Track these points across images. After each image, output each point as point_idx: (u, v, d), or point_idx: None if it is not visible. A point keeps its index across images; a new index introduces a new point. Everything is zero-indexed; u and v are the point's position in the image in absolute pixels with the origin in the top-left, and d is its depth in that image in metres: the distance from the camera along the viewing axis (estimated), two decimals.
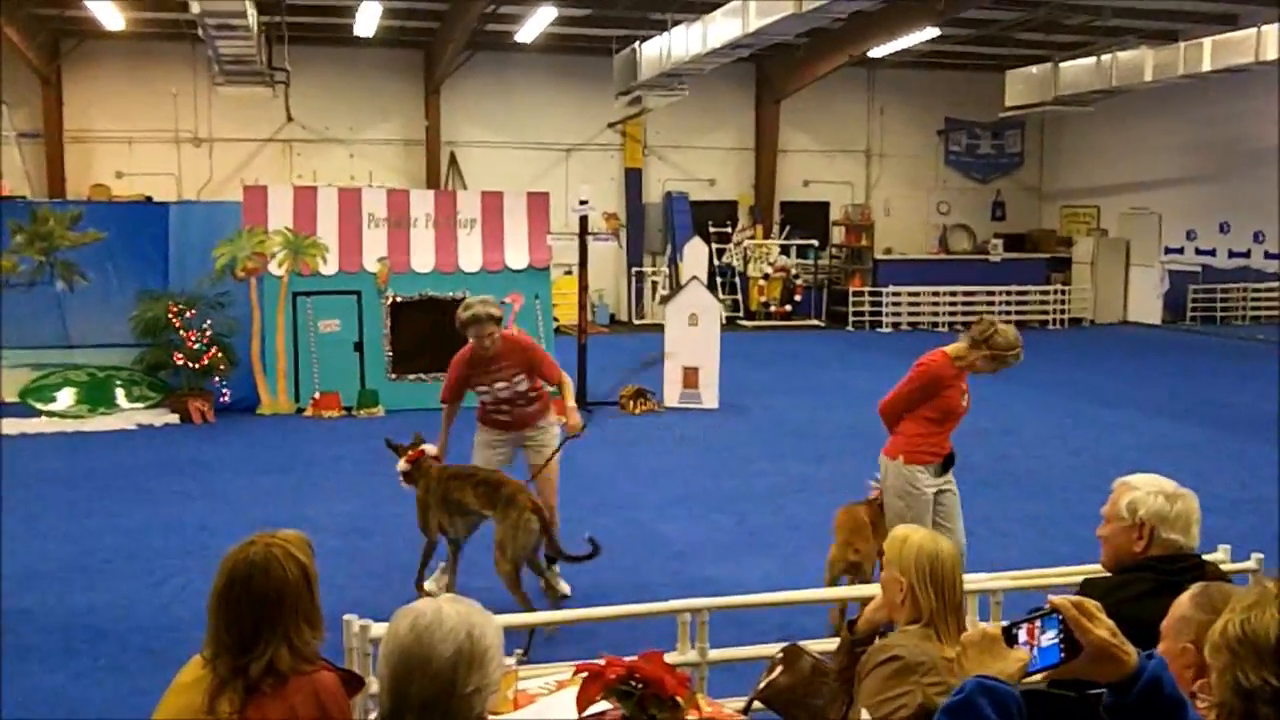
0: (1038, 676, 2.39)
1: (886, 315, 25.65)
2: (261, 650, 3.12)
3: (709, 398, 15.45)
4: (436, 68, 25.99)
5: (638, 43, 21.79)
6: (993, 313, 25.82)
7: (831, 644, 4.21)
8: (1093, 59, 21.96)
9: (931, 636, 3.52)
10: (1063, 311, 26.40)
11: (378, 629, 4.81)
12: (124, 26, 22.44)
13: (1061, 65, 22.76)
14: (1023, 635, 2.30)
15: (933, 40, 22.77)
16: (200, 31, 18.47)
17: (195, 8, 16.12)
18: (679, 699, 3.03)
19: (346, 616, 4.85)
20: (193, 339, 14.45)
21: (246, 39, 18.23)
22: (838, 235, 28.88)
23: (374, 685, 3.58)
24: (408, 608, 2.76)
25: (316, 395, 15.03)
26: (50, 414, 14.62)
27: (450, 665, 2.64)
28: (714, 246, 25.30)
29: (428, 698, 2.63)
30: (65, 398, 14.97)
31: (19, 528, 9.66)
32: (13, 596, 7.92)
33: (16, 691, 6.39)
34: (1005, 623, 2.37)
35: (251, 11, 16.87)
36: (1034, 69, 23.72)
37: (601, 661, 3.12)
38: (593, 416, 14.14)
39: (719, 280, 25.53)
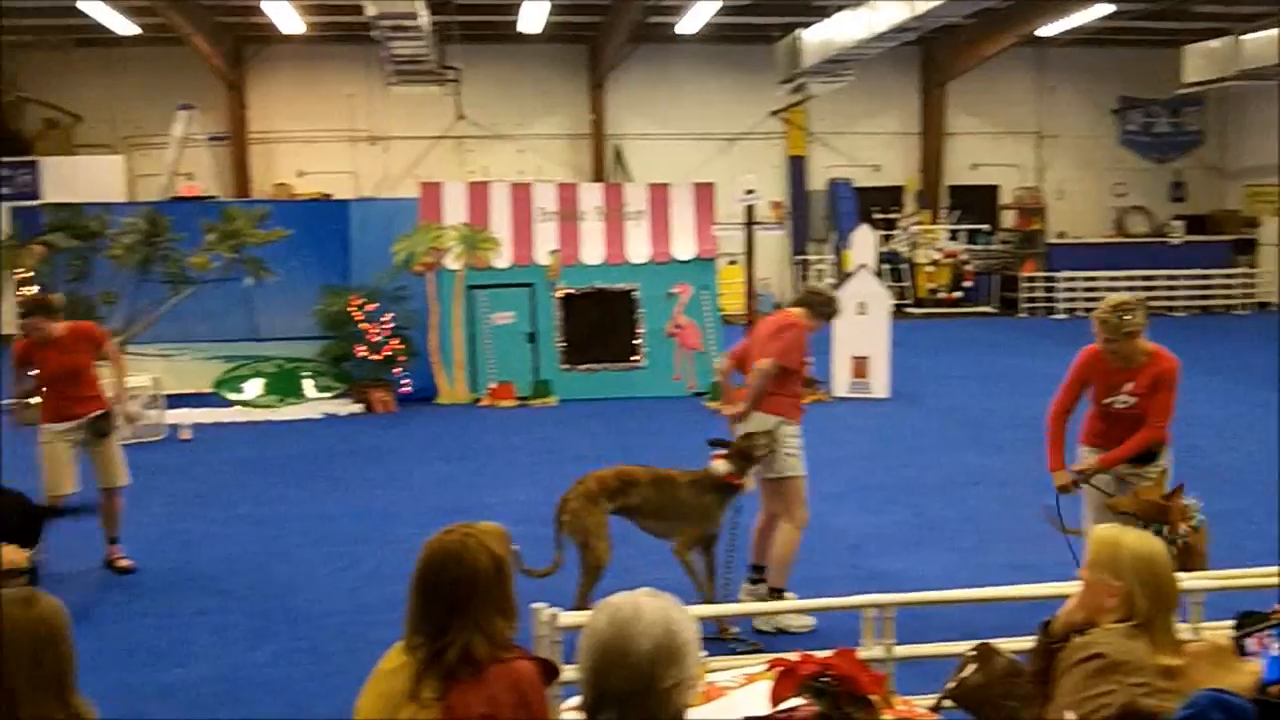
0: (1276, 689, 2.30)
1: (1060, 302, 25.07)
2: (454, 637, 3.19)
3: (878, 387, 15.35)
4: (601, 62, 26.26)
5: (800, 30, 21.67)
6: (1174, 298, 25.25)
7: (1024, 643, 4.15)
8: (1275, 30, 21.07)
9: (1138, 636, 3.38)
10: (1249, 296, 25.46)
11: (566, 617, 4.92)
12: (302, 31, 23.21)
13: (1243, 38, 21.88)
14: (1252, 645, 2.23)
15: (1105, 17, 22.13)
16: (375, 33, 19.00)
17: (370, 10, 16.63)
18: (874, 698, 3.04)
19: (535, 605, 4.94)
20: (374, 331, 14.97)
21: (419, 39, 18.72)
22: (1008, 219, 28.28)
23: (566, 673, 3.66)
24: (607, 601, 2.82)
25: (492, 385, 15.39)
26: (241, 403, 15.29)
27: (649, 660, 2.66)
28: (879, 233, 25.03)
29: (627, 691, 2.66)
30: (254, 388, 15.63)
31: (217, 513, 10.14)
32: (215, 579, 8.34)
33: (221, 667, 6.72)
34: (1234, 633, 2.30)
35: (424, 12, 17.31)
36: (1214, 43, 22.85)
37: (795, 657, 3.15)
38: None
39: (885, 267, 25.26)
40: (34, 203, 21.16)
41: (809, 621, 7.00)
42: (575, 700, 3.94)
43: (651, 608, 2.73)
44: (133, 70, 25.68)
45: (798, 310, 7.48)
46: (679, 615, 2.75)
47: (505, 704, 3.15)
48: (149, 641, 7.11)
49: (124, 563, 8.49)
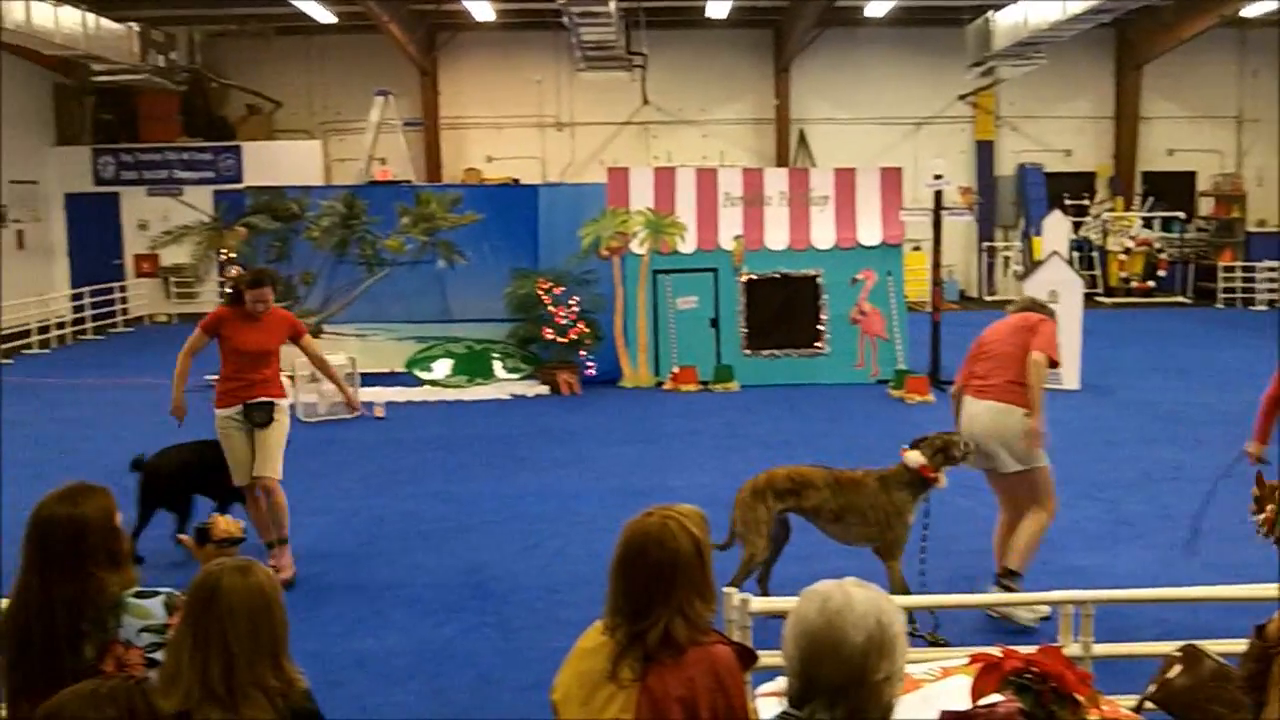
0: None
1: (1260, 292, 24.05)
2: (655, 619, 3.19)
3: (1070, 378, 14.96)
4: (786, 46, 26.14)
5: (991, 12, 21.23)
6: None
7: (1231, 646, 4.02)
8: None
9: None
10: None
11: (757, 603, 4.95)
12: (493, 18, 23.68)
13: None
14: None
15: None
16: (564, 20, 19.27)
17: None
18: (1080, 697, 2.99)
19: (727, 589, 4.98)
20: (561, 315, 15.22)
21: (607, 25, 18.91)
22: (1205, 206, 27.25)
23: (761, 659, 3.66)
24: (814, 590, 2.78)
25: (675, 369, 15.50)
26: (431, 383, 15.72)
27: (861, 652, 2.63)
28: (1070, 220, 24.38)
29: (838, 683, 2.63)
30: (443, 368, 16.05)
31: (409, 489, 10.45)
32: (407, 553, 8.59)
33: (412, 641, 6.91)
34: None
35: None
36: None
37: (997, 652, 3.11)
38: (946, 395, 14.05)
39: (1076, 255, 24.59)
40: (237, 186, 22.16)
41: (1043, 611, 6.74)
42: (769, 686, 3.97)
43: (862, 599, 2.70)
44: (330, 58, 26.58)
45: (1034, 314, 7.27)
46: (889, 607, 2.72)
47: (702, 688, 3.16)
48: (345, 612, 7.36)
49: (286, 574, 7.88)
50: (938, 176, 15.43)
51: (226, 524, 3.96)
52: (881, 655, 2.66)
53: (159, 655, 3.53)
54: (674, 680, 3.16)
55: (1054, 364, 7.02)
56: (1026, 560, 6.98)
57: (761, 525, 6.94)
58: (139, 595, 3.68)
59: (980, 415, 6.99)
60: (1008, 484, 7.08)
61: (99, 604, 3.63)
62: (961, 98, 26.50)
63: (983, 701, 3.11)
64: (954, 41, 23.57)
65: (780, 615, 5.86)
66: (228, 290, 8.59)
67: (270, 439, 8.02)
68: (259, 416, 7.97)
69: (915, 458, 6.85)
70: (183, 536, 4.01)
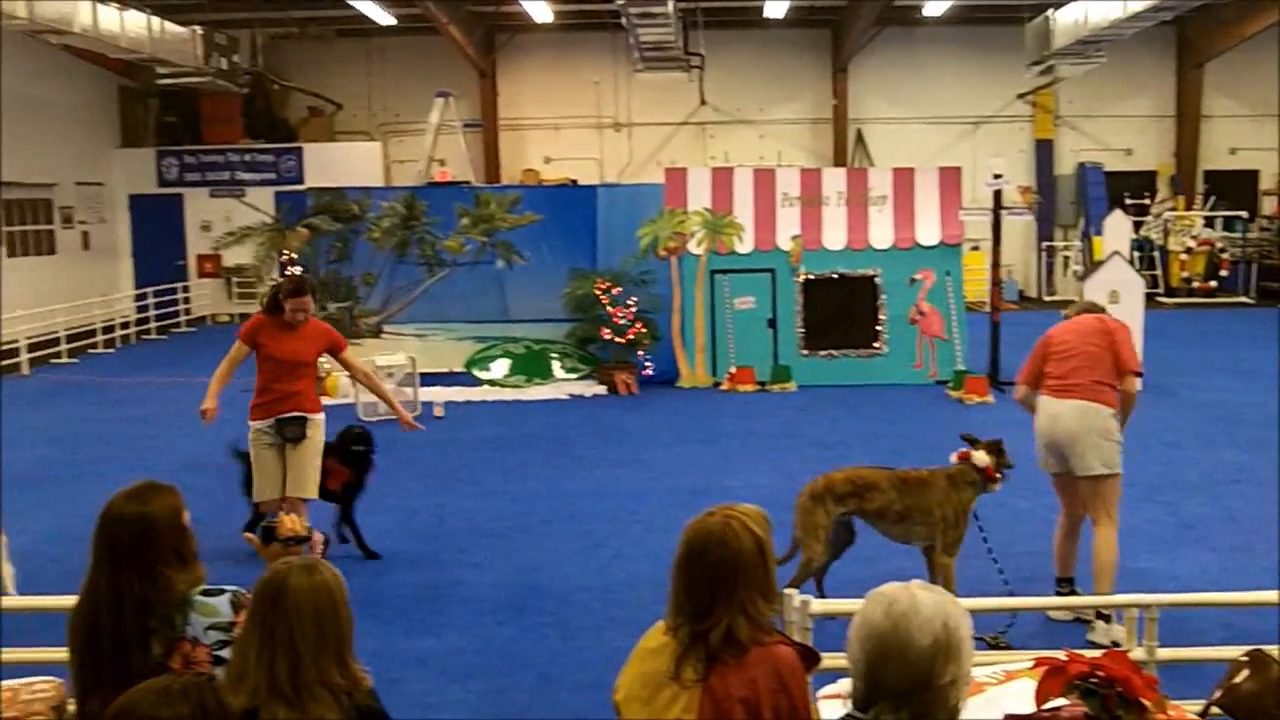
0: None
1: None
2: (718, 619, 3.20)
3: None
4: (844, 46, 26.06)
5: (1052, 10, 21.06)
6: None
7: None
8: None
9: None
10: None
11: (818, 605, 4.95)
12: (551, 19, 23.79)
13: None
14: None
15: None
16: (623, 21, 19.32)
17: None
18: (1146, 702, 2.96)
19: (787, 590, 4.98)
20: (619, 315, 15.28)
21: (666, 26, 18.95)
22: (1268, 206, 26.85)
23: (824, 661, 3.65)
24: (880, 592, 2.77)
25: (732, 370, 15.50)
26: (490, 382, 15.83)
27: (928, 656, 2.63)
28: (1131, 220, 24.11)
29: (904, 687, 2.63)
30: (501, 368, 16.15)
31: (468, 487, 10.53)
32: (467, 552, 8.65)
33: (473, 640, 6.96)
34: None
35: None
36: None
37: (1062, 655, 3.09)
38: (1006, 396, 13.95)
39: (1136, 255, 24.28)
40: (298, 187, 22.40)
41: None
42: (831, 688, 3.97)
43: (929, 602, 2.68)
44: (390, 60, 26.83)
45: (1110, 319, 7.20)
46: (955, 610, 2.70)
47: (765, 688, 3.15)
48: (406, 611, 7.43)
49: None
50: (997, 176, 15.33)
51: (292, 523, 4.02)
52: (948, 659, 2.65)
53: (225, 653, 3.57)
54: (736, 681, 3.16)
55: (1139, 374, 6.99)
56: (1112, 576, 6.82)
57: (820, 530, 6.93)
58: (206, 593, 3.72)
59: (1065, 415, 6.83)
60: (1078, 489, 6.95)
61: (167, 601, 3.67)
62: (1021, 96, 26.32)
63: (1047, 705, 3.09)
64: (1013, 40, 23.40)
65: (840, 617, 5.87)
66: (265, 298, 8.31)
67: (303, 458, 7.79)
68: (291, 432, 7.74)
69: (983, 458, 6.88)
70: (248, 534, 4.07)
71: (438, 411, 13.98)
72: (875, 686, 2.68)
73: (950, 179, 16.06)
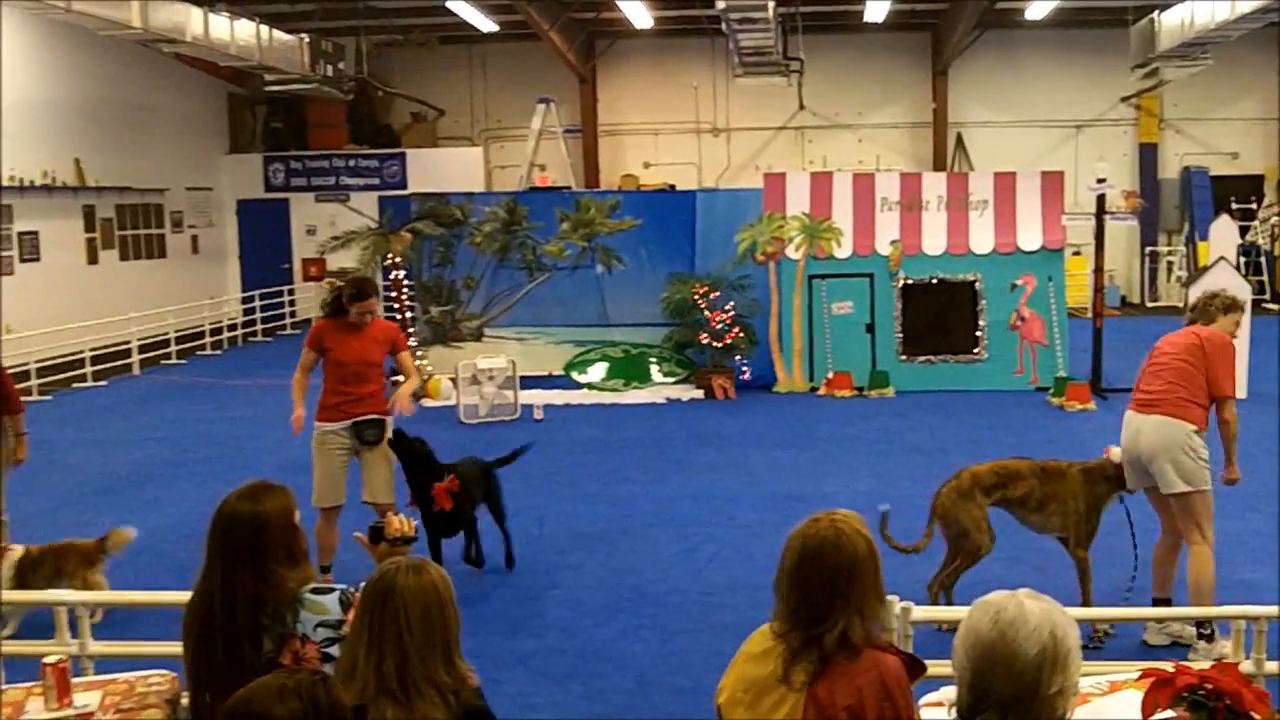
0: None
1: None
2: (834, 622, 3.22)
3: (1237, 387, 14.46)
4: (944, 49, 25.83)
5: (1157, 12, 20.69)
6: None
7: None
8: None
9: None
10: None
11: (919, 612, 4.94)
12: (651, 25, 23.89)
13: None
14: None
15: None
16: (723, 26, 19.34)
17: (720, 4, 16.95)
18: (1257, 716, 2.91)
19: (889, 597, 4.96)
20: (716, 319, 15.30)
21: (765, 31, 18.94)
22: None
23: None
24: (987, 601, 2.77)
25: (829, 375, 15.45)
26: (588, 386, 15.94)
27: (1035, 665, 2.62)
28: (1237, 224, 23.55)
29: (1010, 696, 2.63)
30: (598, 371, 16.26)
31: (567, 490, 10.62)
32: (566, 554, 8.74)
33: (572, 641, 7.03)
34: None
35: (770, 4, 17.51)
36: None
37: (1169, 667, 3.06)
38: (1108, 402, 13.73)
39: (1243, 260, 23.75)
40: (401, 192, 22.76)
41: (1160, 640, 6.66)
42: (932, 696, 3.96)
43: (1036, 611, 2.68)
44: (492, 66, 27.12)
45: (1208, 329, 6.84)
46: (1063, 619, 2.70)
47: (870, 696, 3.17)
48: (506, 611, 7.53)
49: None
50: (1101, 180, 15.09)
51: (400, 523, 4.08)
52: (1055, 668, 2.65)
53: (334, 650, 3.65)
54: (842, 689, 3.18)
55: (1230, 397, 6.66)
56: (1211, 598, 6.65)
57: (980, 522, 7.07)
58: (315, 591, 3.80)
59: (1146, 430, 6.71)
60: (1166, 505, 6.84)
61: (278, 599, 3.75)
62: (1124, 100, 25.87)
63: (1155, 718, 3.06)
64: (1116, 42, 23.02)
65: (938, 625, 5.85)
66: (327, 300, 8.37)
67: (380, 461, 7.84)
68: (370, 435, 7.75)
69: (1118, 453, 6.91)
70: (358, 534, 4.15)
71: (537, 414, 14.12)
72: (981, 695, 2.68)
73: (1052, 183, 15.86)
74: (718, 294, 15.45)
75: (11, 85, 18.91)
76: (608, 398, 15.53)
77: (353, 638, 3.29)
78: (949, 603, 7.07)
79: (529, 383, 15.33)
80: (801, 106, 26.51)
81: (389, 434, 7.86)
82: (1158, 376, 6.81)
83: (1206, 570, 6.63)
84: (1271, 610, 4.87)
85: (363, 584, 3.81)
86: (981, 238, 15.58)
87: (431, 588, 3.27)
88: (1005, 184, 15.84)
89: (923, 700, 3.95)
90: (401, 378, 8.07)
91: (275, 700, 2.72)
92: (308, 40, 22.01)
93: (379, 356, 7.81)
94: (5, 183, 18.60)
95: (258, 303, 23.44)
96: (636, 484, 10.91)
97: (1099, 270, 15.32)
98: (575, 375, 16.26)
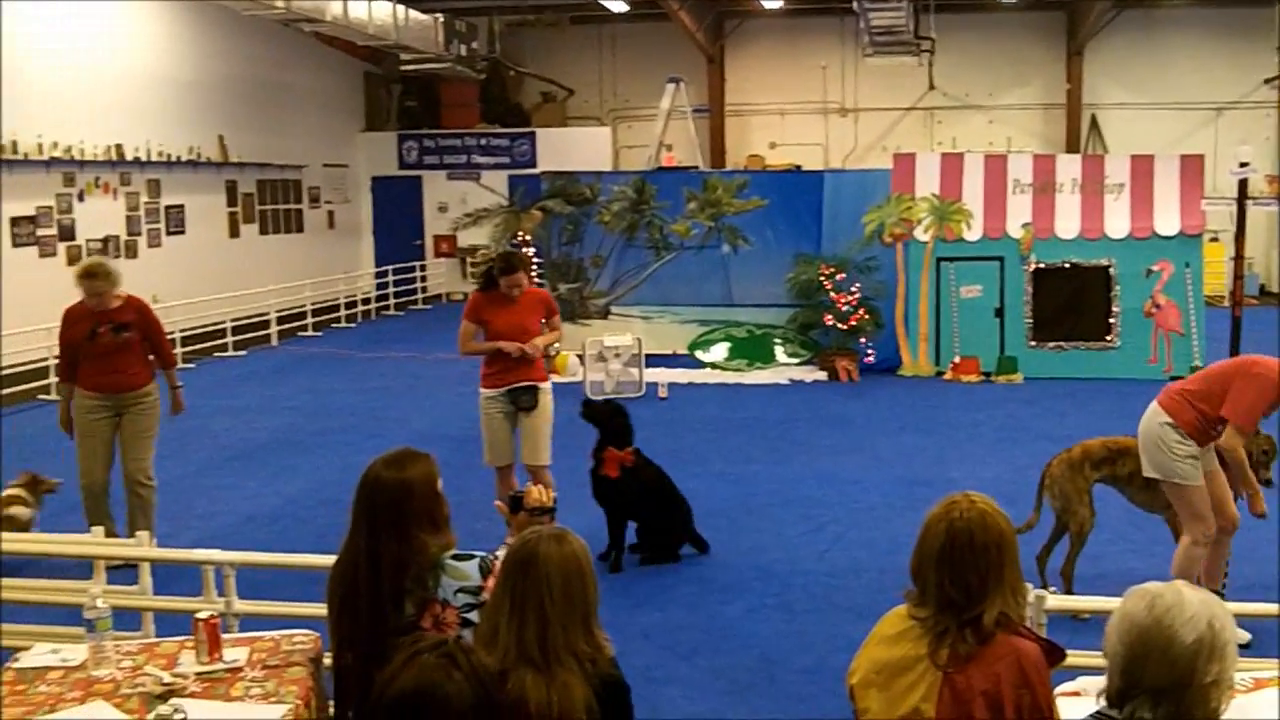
0: None
1: None
2: (990, 602, 3.22)
3: None
4: (1079, 29, 25.29)
5: None
6: None
7: None
8: None
9: None
10: None
11: (1054, 600, 4.90)
12: (781, 4, 23.78)
13: None
14: None
15: None
16: (854, 5, 19.21)
17: None
18: None
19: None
20: (842, 301, 15.23)
21: (897, 10, 18.78)
22: None
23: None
24: (1143, 589, 2.78)
25: (956, 359, 15.30)
26: (712, 365, 16.01)
27: (1191, 653, 2.63)
28: None
29: (1164, 683, 2.64)
30: (722, 351, 16.32)
31: (693, 468, 10.65)
32: None
33: (698, 615, 7.12)
34: None
35: None
36: None
37: None
38: None
39: None
40: (531, 171, 23.02)
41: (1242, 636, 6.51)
42: (1069, 686, 3.96)
43: (1195, 600, 2.69)
44: (621, 46, 27.23)
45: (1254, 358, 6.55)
46: (1221, 611, 2.70)
47: (1007, 682, 3.16)
48: (634, 585, 7.63)
49: None
50: (1243, 164, 14.68)
51: (539, 493, 4.14)
52: (1211, 658, 2.65)
53: (473, 615, 3.73)
54: (979, 673, 3.18)
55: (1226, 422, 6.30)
56: (1210, 581, 6.57)
57: (1084, 495, 7.05)
58: (456, 557, 3.86)
59: (1144, 415, 6.66)
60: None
61: (421, 564, 3.80)
62: (1268, 81, 25.04)
63: None
64: (1260, 22, 22.36)
65: (1072, 614, 5.83)
66: (479, 275, 8.65)
67: (537, 426, 8.10)
68: (525, 401, 8.04)
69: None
70: (498, 502, 4.26)
71: (662, 393, 14.23)
72: (1133, 682, 2.70)
73: (1192, 167, 15.48)
74: (844, 275, 15.37)
75: (161, 65, 19.59)
76: (731, 377, 15.58)
77: (494, 605, 3.34)
78: (1068, 592, 7.02)
79: (654, 361, 15.43)
80: (931, 87, 26.17)
81: (548, 400, 8.13)
82: (1197, 378, 6.72)
83: (1183, 559, 6.55)
84: None
85: (501, 551, 3.95)
86: (1117, 222, 15.28)
87: (574, 557, 3.31)
88: (1142, 167, 15.51)
89: (1059, 689, 3.93)
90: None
91: (442, 675, 2.78)
92: (442, 20, 22.34)
93: (534, 324, 8.05)
94: (154, 158, 19.25)
95: (390, 278, 23.93)
96: (760, 464, 10.95)
97: (1239, 257, 14.92)
98: (699, 354, 16.34)
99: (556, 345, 10.79)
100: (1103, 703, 2.82)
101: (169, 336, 9.22)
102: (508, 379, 8.03)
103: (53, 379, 14.25)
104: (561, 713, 3.15)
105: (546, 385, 8.21)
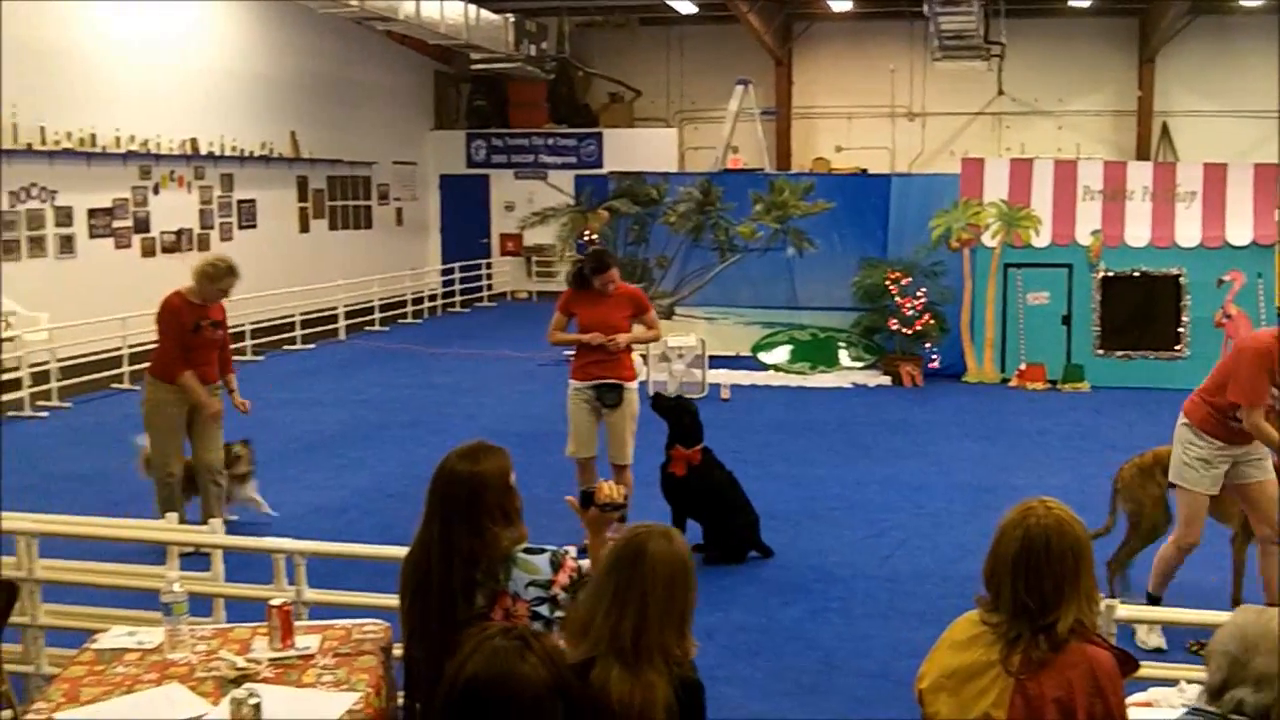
0: None
1: None
2: (1064, 610, 3.20)
3: None
4: (1152, 36, 25.00)
5: None
6: None
7: None
8: None
9: None
10: None
11: (1124, 610, 4.84)
12: (849, 8, 23.71)
13: None
14: None
15: None
16: (924, 9, 19.11)
17: None
18: None
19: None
20: (907, 306, 15.17)
21: (968, 14, 18.65)
22: None
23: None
24: (1251, 606, 2.93)
25: (1022, 366, 15.20)
26: (776, 368, 16.01)
27: None
28: None
29: (1269, 671, 2.71)
30: (784, 354, 16.31)
31: (755, 470, 10.62)
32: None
33: (758, 617, 7.13)
34: None
35: None
36: None
37: None
38: None
39: None
40: (597, 171, 23.13)
41: (1157, 642, 6.41)
42: (1141, 696, 3.94)
43: None
44: (689, 47, 27.24)
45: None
46: None
47: (1080, 690, 3.16)
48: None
49: None
50: None
51: (610, 489, 4.14)
52: None
53: (543, 609, 3.76)
54: (1051, 681, 3.18)
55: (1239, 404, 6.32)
56: (1156, 581, 6.77)
57: (1158, 502, 7.04)
58: (527, 551, 3.87)
59: None
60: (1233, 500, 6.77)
61: (492, 556, 3.81)
62: None
63: None
64: None
65: (1145, 624, 5.77)
66: (570, 271, 8.79)
67: (621, 424, 8.25)
68: (610, 398, 8.20)
69: None
70: (569, 498, 4.28)
71: (724, 394, 14.25)
72: (1237, 672, 2.78)
73: (1266, 176, 15.26)
74: (910, 280, 15.30)
75: (237, 61, 19.91)
76: (794, 380, 15.57)
77: (595, 594, 3.34)
78: (1125, 588, 7.02)
79: (717, 362, 15.44)
80: (1000, 92, 25.95)
81: (632, 399, 8.27)
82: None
83: (1161, 554, 6.73)
84: None
85: (570, 546, 4.00)
86: (1188, 230, 15.11)
87: (680, 558, 3.33)
88: (1215, 175, 15.32)
89: (1130, 699, 3.91)
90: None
91: (515, 658, 2.83)
92: (513, 20, 22.48)
93: (621, 319, 8.19)
94: (228, 153, 19.55)
95: (457, 275, 24.12)
96: (822, 467, 10.95)
97: None
98: (762, 356, 16.35)
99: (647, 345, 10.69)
100: (1197, 700, 2.89)
101: (239, 329, 9.39)
102: (594, 373, 8.19)
103: (127, 368, 14.56)
104: (643, 710, 3.16)
105: (632, 385, 8.35)
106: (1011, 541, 3.29)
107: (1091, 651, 3.22)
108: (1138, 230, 15.20)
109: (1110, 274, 15.14)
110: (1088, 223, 15.30)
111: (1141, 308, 15.10)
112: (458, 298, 24.00)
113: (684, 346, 14.42)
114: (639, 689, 3.17)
